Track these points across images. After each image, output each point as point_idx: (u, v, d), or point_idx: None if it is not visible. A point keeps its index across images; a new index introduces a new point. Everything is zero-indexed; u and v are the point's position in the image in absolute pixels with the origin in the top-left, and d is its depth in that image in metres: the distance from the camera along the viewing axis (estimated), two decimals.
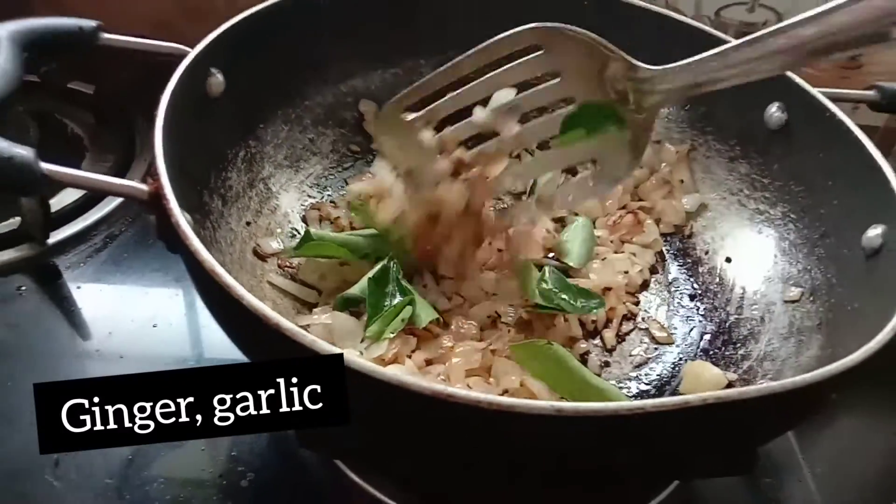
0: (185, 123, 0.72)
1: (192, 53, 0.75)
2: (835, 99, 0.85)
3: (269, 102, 0.90)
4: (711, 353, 0.81)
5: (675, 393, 0.77)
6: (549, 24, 0.73)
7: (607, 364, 0.81)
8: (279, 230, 0.86)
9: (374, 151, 1.00)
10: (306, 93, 0.95)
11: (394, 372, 0.47)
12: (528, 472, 0.55)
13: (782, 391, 0.51)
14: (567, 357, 0.71)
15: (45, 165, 0.59)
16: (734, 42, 0.67)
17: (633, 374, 0.80)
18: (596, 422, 0.47)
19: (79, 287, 0.95)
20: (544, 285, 0.79)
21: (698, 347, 0.82)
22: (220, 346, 0.89)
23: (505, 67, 0.74)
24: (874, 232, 0.73)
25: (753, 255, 0.88)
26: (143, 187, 0.62)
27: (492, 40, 0.74)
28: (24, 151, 0.59)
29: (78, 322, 0.91)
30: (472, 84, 0.76)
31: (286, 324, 0.50)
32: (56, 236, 1.00)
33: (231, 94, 0.81)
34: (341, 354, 0.48)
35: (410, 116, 0.79)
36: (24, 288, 0.94)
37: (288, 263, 0.82)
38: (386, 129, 0.83)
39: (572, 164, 0.85)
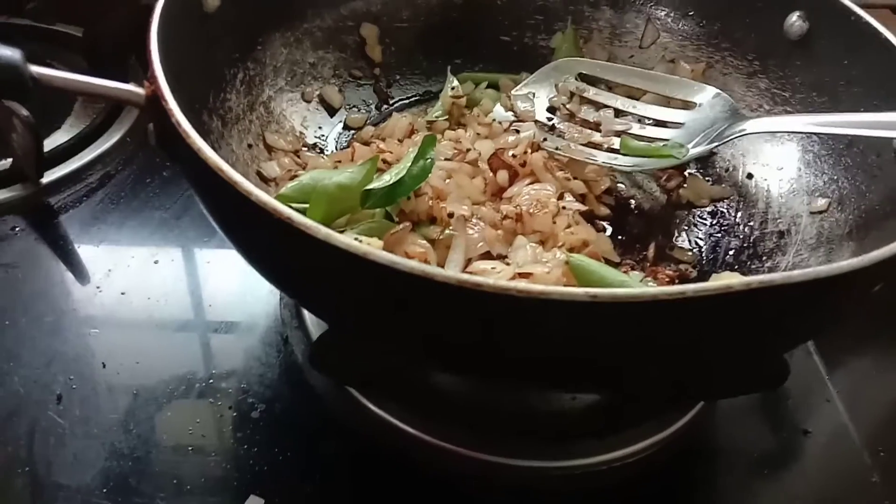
0: (180, 37, 0.68)
1: None
2: (859, 4, 0.81)
3: (266, 23, 0.86)
4: (737, 267, 0.78)
5: None
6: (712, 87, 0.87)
7: None
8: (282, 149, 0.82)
9: (376, 77, 0.96)
10: (305, 15, 0.90)
11: (415, 263, 0.44)
12: (553, 372, 0.52)
13: (828, 276, 0.48)
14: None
15: (33, 68, 0.56)
16: None
17: None
18: (633, 309, 0.44)
19: (75, 227, 0.91)
20: None
21: (723, 262, 0.79)
22: (223, 281, 0.86)
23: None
24: None
25: (775, 170, 0.85)
26: (140, 90, 0.58)
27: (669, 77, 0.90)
28: (9, 52, 0.55)
29: (76, 261, 0.88)
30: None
31: (299, 218, 0.46)
32: (50, 176, 0.96)
33: (227, 11, 0.77)
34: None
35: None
36: (18, 228, 0.90)
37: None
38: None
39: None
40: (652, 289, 0.44)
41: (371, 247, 0.45)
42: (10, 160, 0.95)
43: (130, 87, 0.58)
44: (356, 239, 0.63)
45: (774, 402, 0.78)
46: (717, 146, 0.81)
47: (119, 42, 1.17)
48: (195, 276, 0.87)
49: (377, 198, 0.69)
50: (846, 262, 0.48)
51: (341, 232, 0.68)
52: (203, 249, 0.90)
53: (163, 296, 0.85)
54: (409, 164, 0.70)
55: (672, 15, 0.97)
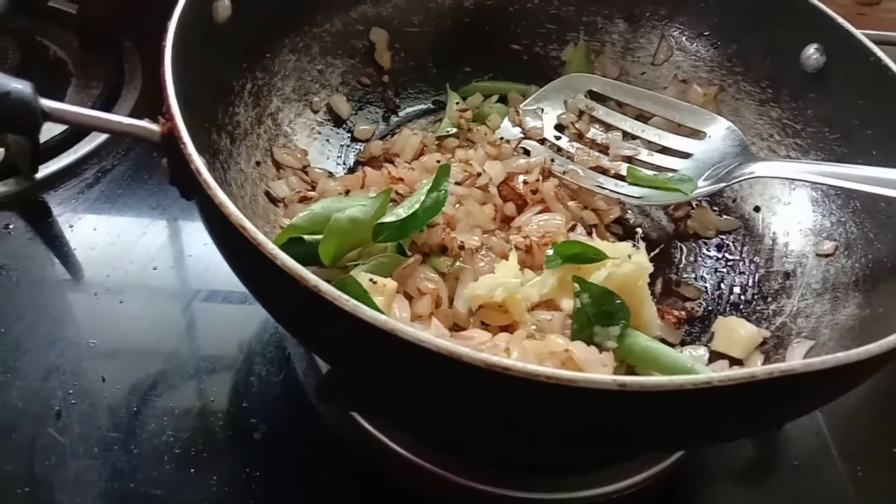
0: (191, 53, 0.65)
1: None
2: (878, 42, 0.80)
3: (275, 30, 0.83)
4: (741, 307, 0.78)
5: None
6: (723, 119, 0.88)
7: None
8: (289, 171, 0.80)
9: (385, 84, 0.94)
10: (315, 19, 0.88)
11: (442, 341, 0.43)
12: (570, 439, 0.53)
13: (848, 363, 0.48)
14: None
15: (45, 102, 0.54)
16: None
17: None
18: (661, 396, 0.44)
19: (71, 226, 0.89)
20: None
21: (727, 301, 0.79)
22: (225, 289, 0.85)
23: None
24: None
25: (783, 205, 0.85)
26: (155, 128, 0.56)
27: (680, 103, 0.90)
28: (20, 86, 0.53)
29: (73, 264, 0.86)
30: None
31: (326, 287, 0.45)
32: (44, 170, 0.93)
33: (237, 20, 0.75)
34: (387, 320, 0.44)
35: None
36: (12, 226, 0.88)
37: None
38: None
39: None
40: (679, 378, 0.45)
41: (398, 322, 0.44)
42: (1, 151, 0.92)
43: (144, 123, 0.56)
44: (371, 280, 0.63)
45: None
46: (724, 186, 0.80)
47: (112, 21, 1.13)
48: (195, 283, 0.86)
49: (390, 232, 0.68)
50: (865, 349, 0.49)
51: (352, 266, 0.68)
52: (204, 256, 0.88)
53: (162, 305, 0.84)
54: (423, 197, 0.69)
55: (687, 33, 0.96)
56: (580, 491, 0.71)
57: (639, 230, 0.86)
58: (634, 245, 0.71)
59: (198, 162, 0.52)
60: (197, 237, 0.89)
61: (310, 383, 0.77)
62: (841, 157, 0.81)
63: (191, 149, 0.52)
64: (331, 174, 0.84)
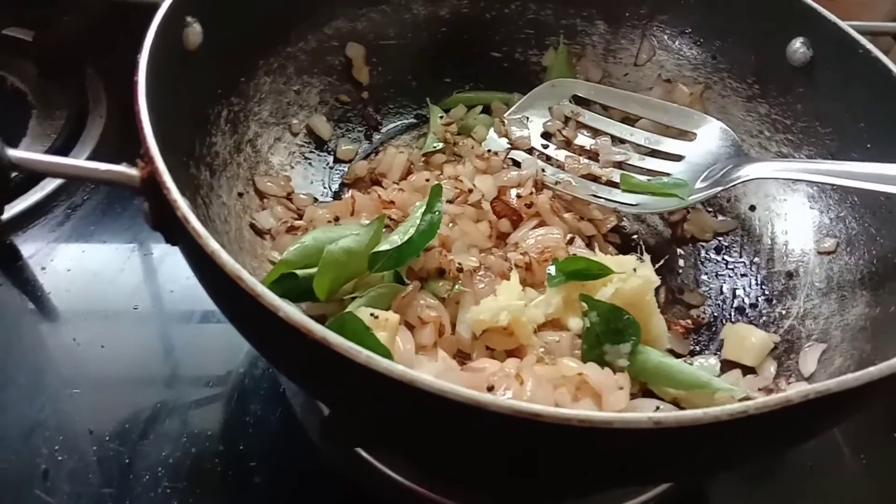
0: (164, 85, 0.62)
1: (167, 1, 0.64)
2: (864, 32, 0.79)
3: (248, 52, 0.80)
4: (747, 311, 0.77)
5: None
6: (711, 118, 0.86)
7: None
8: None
9: (364, 101, 0.91)
10: (288, 38, 0.84)
11: (468, 391, 0.41)
12: (595, 479, 0.50)
13: (881, 377, 0.46)
14: None
15: (13, 153, 0.50)
16: None
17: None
18: (697, 430, 0.42)
19: (43, 268, 0.84)
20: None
21: (732, 306, 0.78)
22: (210, 325, 0.82)
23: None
24: None
25: (779, 202, 0.83)
26: (134, 172, 0.52)
27: (670, 105, 0.88)
28: None
29: (48, 309, 0.82)
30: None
31: (336, 339, 0.42)
32: (10, 210, 0.88)
33: (209, 46, 0.71)
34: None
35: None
36: None
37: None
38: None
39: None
40: (714, 410, 0.42)
41: (418, 373, 0.41)
42: None
43: (122, 168, 0.52)
44: (372, 315, 0.60)
45: None
46: (720, 191, 0.79)
47: (73, 48, 1.08)
48: (179, 320, 0.82)
49: (386, 260, 0.65)
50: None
51: (349, 299, 0.64)
52: (185, 291, 0.84)
53: (146, 346, 0.80)
54: (418, 221, 0.67)
55: (668, 32, 0.94)
56: None
57: (640, 241, 0.83)
58: (639, 258, 0.69)
59: (184, 208, 0.48)
60: (177, 270, 0.85)
61: (309, 419, 0.74)
62: (834, 152, 0.80)
63: (175, 194, 0.49)
64: (316, 199, 0.80)
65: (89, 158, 0.96)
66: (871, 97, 0.76)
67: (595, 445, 0.43)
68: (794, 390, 0.44)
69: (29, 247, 0.86)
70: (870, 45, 0.77)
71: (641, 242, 0.81)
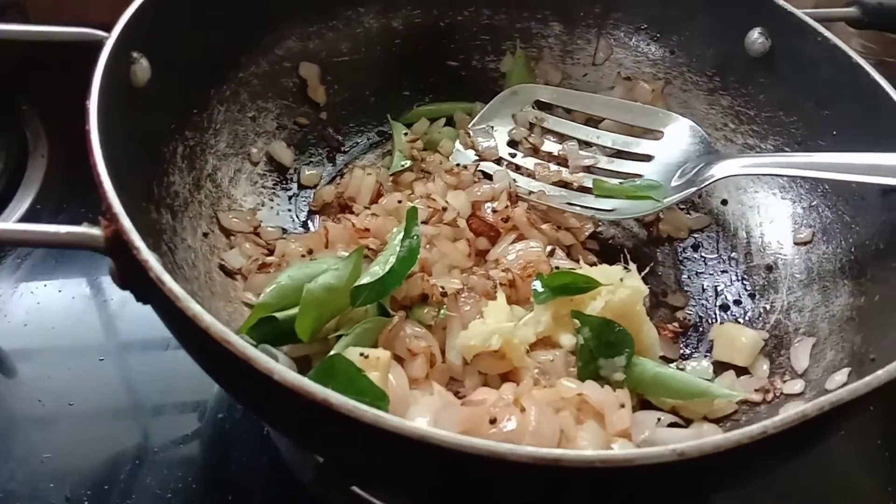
0: (116, 128, 0.58)
1: (112, 37, 0.61)
2: (820, 20, 0.79)
3: (199, 82, 0.76)
4: (730, 309, 0.77)
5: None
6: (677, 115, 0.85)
7: None
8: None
9: (323, 122, 0.87)
10: (239, 63, 0.81)
11: (485, 442, 0.39)
12: None
13: (889, 380, 0.46)
14: None
15: None
16: None
17: None
18: (718, 456, 0.41)
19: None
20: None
21: (716, 305, 0.77)
22: (185, 373, 0.77)
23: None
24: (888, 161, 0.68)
25: (750, 194, 0.83)
26: (97, 231, 0.49)
27: (634, 105, 0.87)
28: None
29: (8, 369, 0.77)
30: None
31: (338, 399, 0.40)
32: None
33: (158, 80, 0.67)
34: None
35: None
36: None
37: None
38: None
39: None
40: (734, 434, 0.42)
41: (429, 429, 0.39)
42: None
43: (83, 229, 0.48)
44: (362, 355, 0.57)
45: None
46: (696, 191, 0.78)
47: (5, 83, 1.02)
48: (150, 370, 0.78)
49: (369, 293, 0.62)
50: None
51: (333, 338, 0.62)
52: (151, 335, 0.80)
53: (116, 400, 0.76)
54: (398, 249, 0.64)
55: (624, 28, 0.93)
56: None
57: (622, 248, 0.82)
58: (625, 267, 0.68)
59: (157, 268, 0.45)
60: (140, 314, 0.81)
61: (298, 462, 0.71)
62: (801, 140, 0.80)
63: (146, 254, 0.46)
64: (285, 231, 0.77)
65: (34, 203, 0.91)
66: (833, 84, 0.76)
67: (618, 482, 0.42)
68: (810, 404, 0.44)
69: None
70: (828, 33, 0.77)
71: (624, 250, 0.80)
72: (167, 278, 0.44)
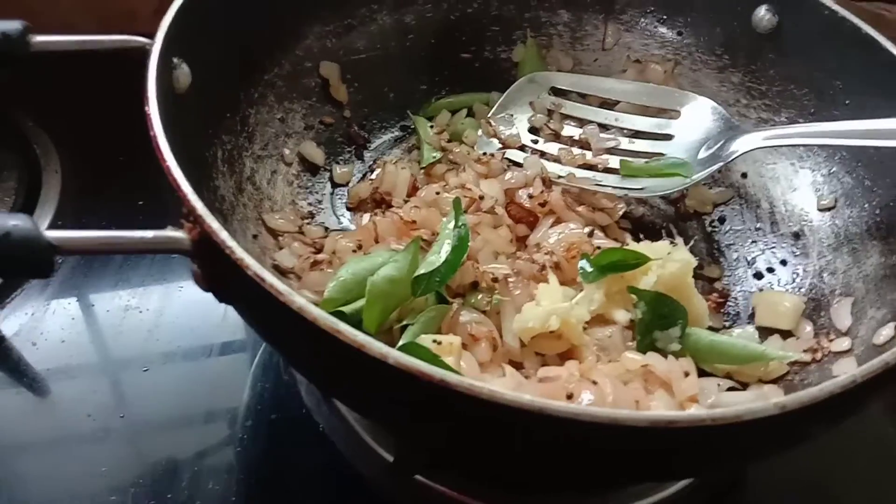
0: (167, 132, 0.58)
1: (157, 44, 0.61)
2: None
3: (229, 86, 0.76)
4: (765, 276, 0.79)
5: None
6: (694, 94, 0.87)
7: None
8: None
9: (347, 120, 0.88)
10: (263, 65, 0.81)
11: (595, 409, 0.40)
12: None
13: None
14: None
15: (50, 234, 0.45)
16: None
17: None
18: (815, 407, 0.43)
19: (34, 345, 0.78)
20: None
21: (750, 273, 0.80)
22: (231, 383, 0.77)
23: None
24: None
25: (768, 166, 0.86)
26: (182, 235, 0.49)
27: (649, 86, 0.89)
28: (20, 221, 0.44)
29: (46, 385, 0.76)
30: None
31: (457, 380, 0.41)
32: None
33: (196, 85, 0.67)
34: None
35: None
36: None
37: None
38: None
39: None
40: (828, 384, 0.44)
41: (547, 400, 0.40)
42: None
43: (169, 232, 0.49)
44: (435, 342, 0.58)
45: None
46: (722, 166, 0.80)
47: (7, 105, 1.00)
48: (198, 378, 0.78)
49: (429, 282, 0.63)
50: None
51: (397, 329, 0.63)
52: (195, 341, 0.80)
53: (168, 409, 0.74)
54: (451, 238, 0.65)
55: (631, 12, 0.95)
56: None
57: (666, 224, 0.85)
58: (672, 242, 0.70)
59: (255, 266, 0.45)
60: (184, 325, 0.80)
61: (359, 456, 0.71)
62: (814, 112, 0.83)
63: (240, 253, 0.46)
64: (326, 229, 0.78)
65: (55, 219, 0.90)
66: (843, 56, 0.79)
67: (721, 441, 0.43)
68: (888, 353, 0.46)
69: (11, 324, 0.80)
70: (835, 6, 0.80)
71: (668, 224, 0.82)
72: (267, 275, 0.45)
